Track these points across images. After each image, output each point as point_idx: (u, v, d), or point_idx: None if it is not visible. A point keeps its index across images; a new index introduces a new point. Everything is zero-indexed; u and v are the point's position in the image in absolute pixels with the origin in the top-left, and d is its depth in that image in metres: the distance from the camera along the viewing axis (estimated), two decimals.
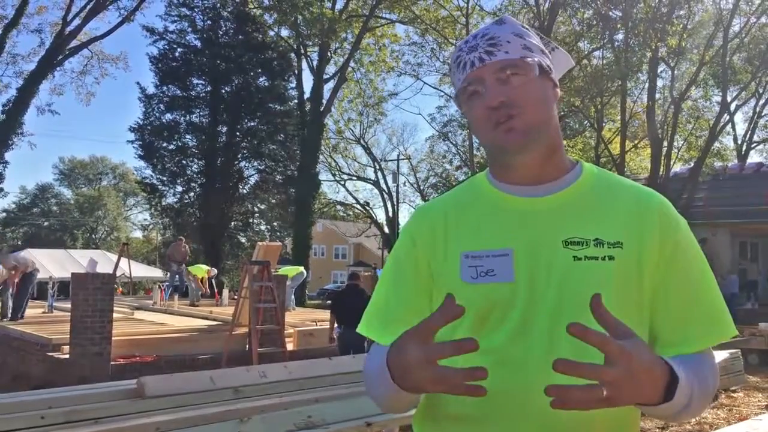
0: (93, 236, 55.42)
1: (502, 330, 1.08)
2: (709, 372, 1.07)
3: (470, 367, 0.89)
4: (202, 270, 14.61)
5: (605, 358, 0.85)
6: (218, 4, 25.99)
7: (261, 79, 26.60)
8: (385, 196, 33.55)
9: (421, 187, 35.30)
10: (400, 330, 1.14)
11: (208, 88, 26.15)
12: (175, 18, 25.92)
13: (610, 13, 21.25)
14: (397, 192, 33.17)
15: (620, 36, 22.17)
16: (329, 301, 9.95)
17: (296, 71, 26.78)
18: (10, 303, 10.75)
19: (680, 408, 0.96)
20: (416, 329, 0.93)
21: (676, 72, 23.38)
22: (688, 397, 0.95)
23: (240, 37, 26.00)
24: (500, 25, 1.13)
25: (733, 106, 24.88)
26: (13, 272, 10.70)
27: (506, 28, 1.12)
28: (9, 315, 10.68)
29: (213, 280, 14.96)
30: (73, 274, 8.72)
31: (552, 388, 0.84)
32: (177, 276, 15.44)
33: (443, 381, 0.90)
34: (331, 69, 26.59)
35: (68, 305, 9.20)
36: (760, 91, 25.85)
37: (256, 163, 27.47)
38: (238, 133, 26.39)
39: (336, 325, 8.35)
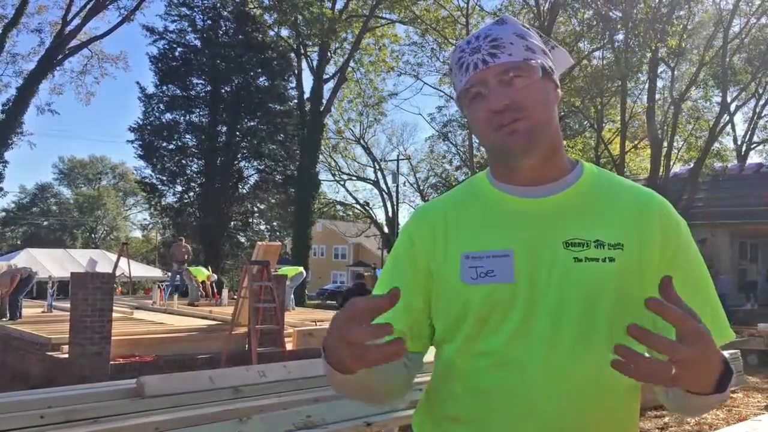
0: (92, 236, 55.43)
1: (503, 331, 1.08)
2: None
3: (389, 342, 0.87)
4: (203, 273, 14.59)
5: (680, 337, 0.83)
6: (218, 4, 26.01)
7: (261, 79, 26.62)
8: (385, 196, 33.59)
9: (421, 188, 35.31)
10: (396, 326, 1.14)
11: (208, 88, 26.17)
12: (175, 17, 25.96)
13: (610, 13, 21.25)
14: (397, 192, 33.20)
15: (620, 36, 22.18)
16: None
17: (296, 71, 26.80)
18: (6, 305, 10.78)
19: (714, 401, 0.97)
20: (351, 309, 0.90)
21: (676, 72, 23.39)
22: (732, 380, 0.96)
23: (240, 36, 26.02)
24: (502, 26, 1.12)
25: (733, 107, 24.90)
26: (11, 282, 10.77)
27: (508, 28, 1.12)
28: (8, 315, 10.69)
29: (213, 284, 14.96)
30: (72, 273, 8.71)
31: (621, 348, 0.81)
32: (177, 276, 15.44)
33: (365, 358, 0.88)
34: (331, 69, 26.63)
35: (67, 305, 9.20)
36: (760, 91, 25.86)
37: (255, 163, 27.49)
38: (237, 133, 26.41)
39: None
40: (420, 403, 1.23)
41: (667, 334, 1.08)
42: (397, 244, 1.23)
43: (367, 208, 35.00)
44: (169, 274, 17.01)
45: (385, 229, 33.48)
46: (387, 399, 1.20)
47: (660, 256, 1.08)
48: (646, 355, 0.85)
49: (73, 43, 22.65)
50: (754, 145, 29.83)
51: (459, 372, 1.12)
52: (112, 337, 8.08)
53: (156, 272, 26.24)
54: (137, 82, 39.62)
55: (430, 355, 1.22)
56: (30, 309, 12.43)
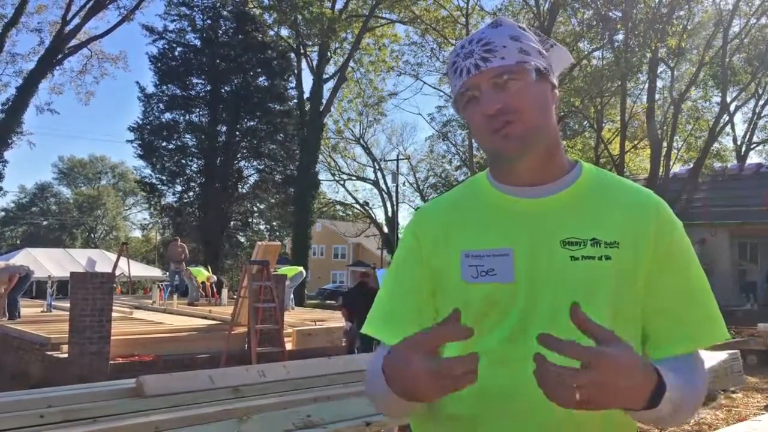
0: (92, 235, 55.41)
1: (501, 330, 1.09)
2: (699, 378, 1.07)
3: (469, 371, 0.89)
4: (203, 274, 14.59)
5: (581, 363, 0.84)
6: (218, 4, 26.00)
7: (261, 79, 26.61)
8: (385, 196, 33.58)
9: (421, 187, 35.33)
10: (403, 328, 1.13)
11: (208, 88, 26.16)
12: (175, 17, 25.95)
13: (610, 13, 21.25)
14: (397, 192, 33.19)
15: (620, 36, 22.18)
16: (335, 301, 10.47)
17: (296, 71, 26.79)
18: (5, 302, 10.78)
19: (665, 414, 0.95)
20: (419, 341, 0.91)
21: (675, 72, 23.40)
22: (675, 404, 0.95)
23: (240, 36, 26.01)
24: (496, 28, 1.12)
25: (732, 107, 24.91)
26: (10, 281, 10.77)
27: (502, 31, 1.11)
28: (7, 315, 10.69)
29: (213, 285, 14.96)
30: (72, 273, 8.72)
31: (536, 373, 0.85)
32: (176, 275, 15.44)
33: (447, 390, 0.89)
34: (330, 69, 26.62)
35: (67, 304, 9.20)
36: (760, 92, 25.86)
37: (255, 163, 27.49)
38: (237, 133, 26.40)
39: (347, 320, 9.20)
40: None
41: (656, 331, 1.09)
42: (402, 244, 1.24)
43: (366, 208, 35.01)
44: (168, 273, 16.99)
45: (385, 229, 33.48)
46: (409, 410, 1.19)
47: (653, 255, 1.09)
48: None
49: (73, 42, 22.64)
50: (754, 145, 29.86)
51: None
52: (112, 337, 8.09)
53: (155, 272, 26.23)
54: (137, 82, 39.68)
55: None
56: (29, 309, 12.43)
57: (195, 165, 26.36)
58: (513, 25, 1.14)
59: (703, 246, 18.14)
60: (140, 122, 25.50)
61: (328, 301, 28.13)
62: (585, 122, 26.25)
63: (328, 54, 26.16)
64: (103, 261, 20.74)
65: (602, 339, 0.87)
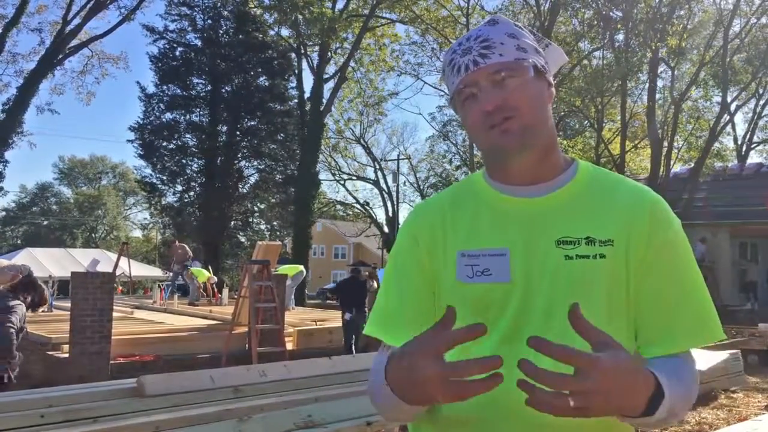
0: (93, 235, 55.43)
1: (497, 330, 1.08)
2: (692, 379, 1.06)
3: (488, 377, 0.85)
4: (203, 275, 14.59)
5: (574, 369, 0.82)
6: (218, 4, 26.00)
7: (261, 79, 26.61)
8: (385, 195, 33.57)
9: (421, 187, 35.34)
10: (405, 329, 1.12)
11: (208, 88, 26.16)
12: (176, 17, 25.95)
13: (611, 13, 21.24)
14: (397, 192, 33.20)
15: (620, 36, 22.17)
16: (335, 301, 11.08)
17: (296, 71, 26.78)
18: None
19: (660, 419, 0.94)
20: (426, 344, 0.88)
21: (676, 72, 23.39)
22: (671, 409, 0.94)
23: (240, 36, 26.00)
24: (493, 26, 1.12)
25: (733, 107, 24.88)
26: (12, 280, 10.77)
27: (500, 28, 1.11)
28: None
29: (214, 286, 14.96)
30: (73, 273, 8.72)
31: (522, 383, 0.82)
32: (180, 276, 15.46)
33: (462, 393, 0.86)
34: (331, 69, 26.59)
35: (68, 304, 9.20)
36: (760, 91, 25.84)
37: (256, 163, 27.49)
38: (238, 133, 26.41)
39: (345, 311, 9.81)
40: None
41: (648, 330, 1.08)
42: (399, 243, 1.23)
43: (367, 207, 35.00)
44: (170, 274, 17.00)
45: (385, 229, 33.47)
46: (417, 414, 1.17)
47: (645, 251, 1.08)
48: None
49: (74, 42, 22.65)
50: (755, 145, 29.83)
51: None
52: (113, 337, 8.09)
53: (156, 272, 26.25)
54: (137, 82, 39.67)
55: None
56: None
57: (195, 165, 26.36)
58: (510, 23, 1.13)
59: (704, 244, 18.12)
60: (141, 122, 25.51)
61: (329, 301, 28.12)
62: (585, 122, 26.24)
63: (329, 54, 26.14)
64: (104, 261, 20.75)
65: (598, 343, 0.85)
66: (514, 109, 1.06)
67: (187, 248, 16.11)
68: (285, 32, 26.46)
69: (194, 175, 26.26)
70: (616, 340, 0.87)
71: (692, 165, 22.95)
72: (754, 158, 29.61)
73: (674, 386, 0.95)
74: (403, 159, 35.45)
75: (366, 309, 9.81)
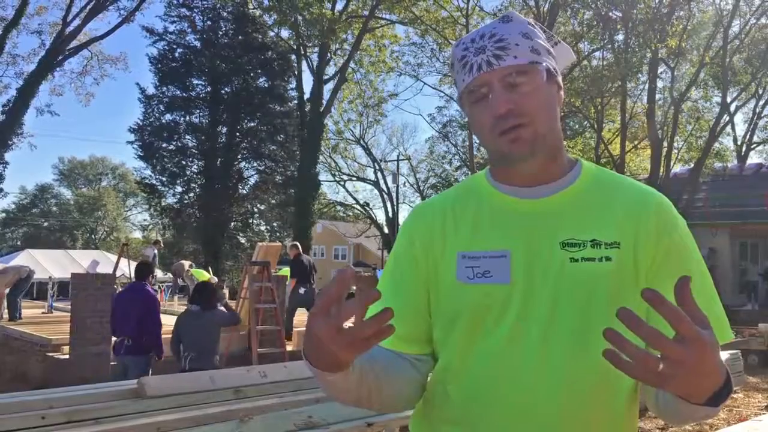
0: (93, 237, 55.38)
1: (498, 333, 1.07)
2: None
3: (375, 315, 0.84)
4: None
5: (677, 337, 0.77)
6: (218, 5, 25.99)
7: (261, 80, 26.60)
8: (385, 196, 33.55)
9: (421, 188, 35.30)
10: (399, 328, 1.13)
11: (208, 89, 26.16)
12: (175, 18, 25.95)
13: (611, 13, 21.24)
14: (397, 193, 33.18)
15: (620, 37, 22.17)
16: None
17: (296, 72, 26.77)
18: (4, 303, 10.79)
19: (704, 415, 0.94)
20: (317, 306, 0.86)
21: (676, 73, 23.37)
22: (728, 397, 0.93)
23: (240, 37, 26.00)
24: (507, 24, 1.10)
25: (733, 107, 24.86)
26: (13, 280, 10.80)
27: (514, 27, 1.09)
28: (7, 315, 10.70)
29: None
30: (73, 274, 8.72)
31: (612, 332, 0.77)
32: (179, 279, 15.48)
33: (355, 341, 0.84)
34: (331, 70, 26.60)
35: (68, 305, 9.20)
36: (760, 92, 25.81)
37: (255, 164, 27.48)
38: (237, 134, 26.40)
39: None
40: (417, 405, 1.21)
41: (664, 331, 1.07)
42: (398, 244, 1.23)
43: (367, 208, 34.99)
44: (170, 275, 17.01)
45: (386, 230, 33.45)
46: (394, 402, 1.14)
47: (654, 253, 1.07)
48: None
49: (73, 44, 22.62)
50: (754, 145, 29.78)
51: (455, 374, 1.11)
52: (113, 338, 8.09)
53: (156, 272, 26.18)
54: (137, 83, 39.64)
55: None
56: (30, 310, 12.43)
57: (195, 166, 26.35)
58: (524, 21, 1.11)
59: (713, 255, 18.10)
60: (140, 123, 25.50)
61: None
62: (585, 122, 26.23)
63: (329, 55, 26.14)
64: (104, 262, 20.72)
65: (701, 322, 0.79)
66: (526, 115, 1.05)
67: (184, 263, 16.01)
68: (285, 33, 26.48)
69: (194, 176, 26.26)
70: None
71: (692, 165, 22.95)
72: (753, 158, 29.60)
73: None
74: (403, 160, 35.46)
75: (313, 285, 11.02)
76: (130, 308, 6.19)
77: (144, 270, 6.54)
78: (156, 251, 14.85)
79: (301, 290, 10.68)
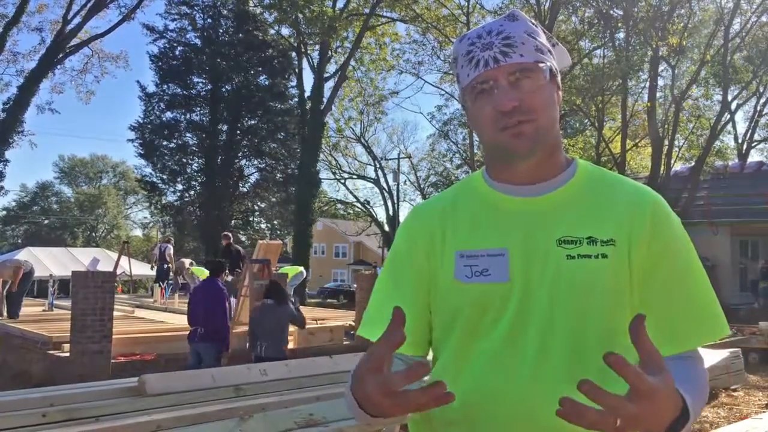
0: (93, 234, 55.43)
1: (496, 331, 1.07)
2: (704, 383, 1.06)
3: (429, 386, 0.84)
4: (205, 273, 14.57)
5: (632, 392, 0.80)
6: (218, 3, 26.01)
7: (261, 78, 26.62)
8: (386, 194, 33.53)
9: (422, 186, 35.28)
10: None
11: (209, 87, 26.17)
12: (176, 16, 25.97)
13: (611, 11, 21.21)
14: (398, 191, 33.17)
15: (621, 35, 22.15)
16: (336, 299, 11.85)
17: (297, 70, 26.76)
18: (4, 302, 10.78)
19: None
20: (369, 360, 0.88)
21: (676, 71, 23.34)
22: (689, 426, 0.94)
23: (240, 35, 26.02)
24: (513, 22, 1.11)
25: (733, 105, 24.83)
26: (16, 274, 10.78)
27: (520, 25, 1.11)
28: (5, 313, 10.69)
29: None
30: (73, 272, 8.73)
31: (567, 401, 0.80)
32: (179, 277, 15.48)
33: (408, 406, 0.85)
34: (331, 67, 26.57)
35: (68, 303, 9.21)
36: (761, 90, 25.79)
37: (256, 162, 27.51)
38: (238, 132, 26.42)
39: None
40: None
41: (652, 330, 1.06)
42: (396, 244, 1.23)
43: (367, 206, 35.00)
44: (171, 274, 17.00)
45: (386, 228, 33.44)
46: None
47: (648, 252, 1.07)
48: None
49: (74, 41, 22.62)
50: (755, 143, 29.73)
51: (453, 373, 1.11)
52: (113, 336, 8.10)
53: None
54: (138, 81, 39.57)
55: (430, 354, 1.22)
56: (31, 307, 12.44)
57: (196, 164, 26.38)
58: (527, 19, 1.13)
59: (707, 264, 18.05)
60: (141, 121, 25.54)
61: (329, 300, 28.11)
62: (586, 121, 26.20)
63: (329, 53, 26.11)
64: (105, 260, 20.73)
65: (653, 364, 0.83)
66: (530, 112, 1.06)
67: (185, 261, 16.01)
68: (285, 31, 26.45)
69: (194, 174, 26.28)
70: (663, 360, 0.85)
71: (693, 164, 22.92)
72: (754, 157, 29.55)
73: (696, 400, 0.95)
74: (403, 158, 35.45)
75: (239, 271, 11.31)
76: (202, 301, 6.98)
77: (217, 267, 7.44)
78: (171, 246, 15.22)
79: (229, 278, 11.16)
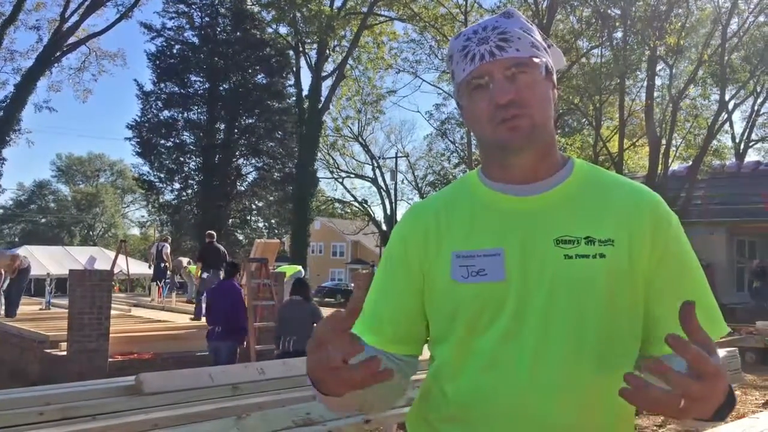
0: (90, 233, 55.35)
1: (493, 331, 1.07)
2: None
3: (364, 361, 0.87)
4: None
5: (694, 373, 0.80)
6: (216, 1, 25.97)
7: (259, 77, 26.59)
8: (383, 193, 33.56)
9: (419, 185, 35.32)
10: (386, 329, 1.15)
11: (206, 85, 26.14)
12: (173, 15, 25.94)
13: (609, 11, 21.22)
14: (395, 190, 33.20)
15: (619, 34, 22.16)
16: (333, 299, 11.74)
17: (294, 68, 26.76)
18: (2, 300, 10.76)
19: (707, 426, 0.96)
20: (313, 340, 0.90)
21: (674, 70, 23.36)
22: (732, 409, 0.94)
23: (238, 34, 25.99)
24: (509, 19, 1.11)
25: (731, 105, 24.87)
26: (12, 263, 10.74)
27: (515, 22, 1.11)
28: (3, 312, 10.67)
29: None
30: (70, 270, 8.71)
31: (632, 378, 0.78)
32: (178, 275, 15.47)
33: (348, 381, 0.88)
34: (329, 66, 26.57)
35: (65, 302, 9.19)
36: (758, 89, 25.83)
37: (254, 161, 27.49)
38: (236, 131, 26.40)
39: (203, 271, 11.20)
40: (414, 403, 1.22)
41: (658, 330, 1.07)
42: (390, 245, 1.23)
43: (365, 205, 35.00)
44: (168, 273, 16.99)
45: (384, 227, 33.46)
46: (387, 407, 1.21)
47: (650, 253, 1.07)
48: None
49: (71, 40, 22.60)
50: (752, 143, 29.80)
51: (451, 372, 1.11)
52: (111, 335, 8.09)
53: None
54: (135, 80, 39.59)
55: (426, 353, 1.22)
56: (28, 306, 12.42)
57: (193, 163, 26.36)
58: (522, 17, 1.13)
59: (708, 268, 18.06)
60: (138, 120, 25.52)
61: (327, 299, 28.11)
62: (584, 120, 26.23)
63: (327, 51, 26.11)
64: (102, 259, 20.71)
65: (708, 348, 0.82)
66: (525, 106, 1.06)
67: (182, 260, 16.00)
68: (283, 30, 26.43)
69: (192, 172, 26.26)
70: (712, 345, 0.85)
71: (690, 163, 22.95)
72: (751, 156, 29.62)
73: None
74: (401, 157, 35.49)
75: (221, 271, 10.99)
76: (220, 301, 7.40)
77: (232, 270, 7.92)
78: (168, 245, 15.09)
79: (204, 275, 11.16)
